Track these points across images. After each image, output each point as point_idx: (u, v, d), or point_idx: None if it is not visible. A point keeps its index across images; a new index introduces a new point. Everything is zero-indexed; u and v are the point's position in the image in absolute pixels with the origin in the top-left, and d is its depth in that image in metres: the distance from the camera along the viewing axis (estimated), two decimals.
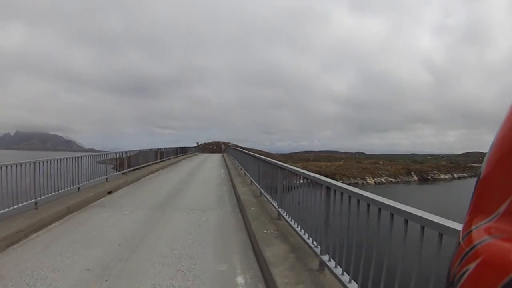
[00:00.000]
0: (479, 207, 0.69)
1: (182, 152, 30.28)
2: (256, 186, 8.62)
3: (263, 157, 7.98)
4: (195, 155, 36.81)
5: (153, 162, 18.09)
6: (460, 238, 0.69)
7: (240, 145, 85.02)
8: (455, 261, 0.66)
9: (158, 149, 19.98)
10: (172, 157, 24.45)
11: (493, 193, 0.65)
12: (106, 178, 10.73)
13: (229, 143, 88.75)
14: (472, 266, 0.60)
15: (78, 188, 8.65)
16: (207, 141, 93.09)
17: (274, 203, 6.02)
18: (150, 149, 17.89)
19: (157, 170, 15.96)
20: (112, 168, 15.49)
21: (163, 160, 20.56)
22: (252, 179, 9.68)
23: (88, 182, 9.36)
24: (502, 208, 0.60)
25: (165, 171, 16.41)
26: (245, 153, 13.59)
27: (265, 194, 7.16)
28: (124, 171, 12.93)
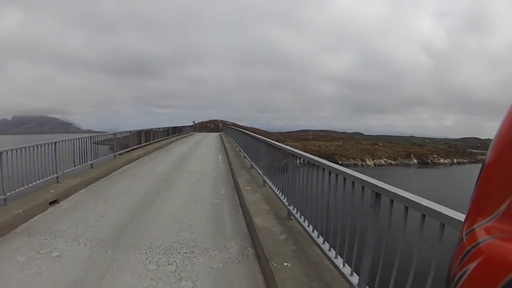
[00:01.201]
0: (480, 206, 0.66)
1: (174, 132, 26.86)
2: (279, 198, 5.16)
3: (292, 149, 4.69)
4: (190, 135, 33.46)
5: (136, 146, 14.81)
6: (463, 235, 0.65)
7: (238, 123, 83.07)
8: (456, 260, 0.64)
9: (141, 130, 16.53)
10: (162, 138, 21.13)
11: (493, 192, 0.63)
12: (57, 178, 7.51)
13: (227, 121, 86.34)
14: (472, 265, 0.58)
15: (5, 200, 5.49)
16: (204, 120, 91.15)
17: (338, 264, 2.80)
18: (131, 131, 14.46)
19: (138, 158, 12.60)
20: (109, 148, 12.36)
21: (150, 144, 17.22)
22: (266, 179, 6.44)
23: (21, 188, 6.16)
24: (502, 208, 0.58)
25: (148, 158, 13.05)
26: (251, 136, 9.98)
27: (304, 224, 3.79)
28: (91, 162, 9.64)
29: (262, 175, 6.87)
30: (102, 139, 11.26)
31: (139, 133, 15.85)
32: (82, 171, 8.88)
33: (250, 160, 9.44)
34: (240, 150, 13.70)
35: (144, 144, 16.32)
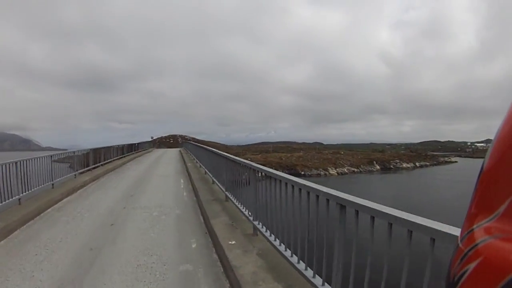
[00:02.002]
0: (479, 207, 0.65)
1: (130, 150, 24.41)
2: (294, 267, 3.28)
3: (315, 185, 2.86)
4: (148, 152, 31.01)
5: (81, 170, 12.45)
6: (459, 241, 0.65)
7: (197, 137, 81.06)
8: (455, 261, 0.63)
9: (89, 150, 14.14)
10: (116, 158, 18.74)
11: (493, 193, 0.62)
12: None
13: (186, 136, 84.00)
14: (472, 266, 0.57)
15: None
16: (163, 135, 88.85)
17: None
18: (74, 152, 12.09)
19: (83, 186, 10.36)
20: (69, 167, 10.88)
21: (100, 165, 14.89)
22: (259, 226, 4.57)
23: None
24: (502, 208, 0.57)
25: (95, 186, 10.82)
26: (224, 157, 7.66)
27: None
28: (18, 197, 7.35)
29: (251, 218, 4.87)
30: (42, 162, 8.96)
31: (86, 154, 13.52)
32: (7, 210, 6.73)
33: (223, 189, 7.55)
34: (206, 172, 11.88)
35: (93, 166, 13.98)
